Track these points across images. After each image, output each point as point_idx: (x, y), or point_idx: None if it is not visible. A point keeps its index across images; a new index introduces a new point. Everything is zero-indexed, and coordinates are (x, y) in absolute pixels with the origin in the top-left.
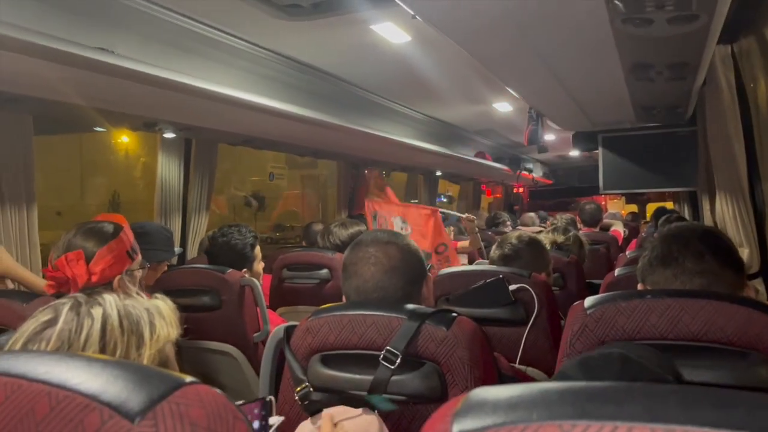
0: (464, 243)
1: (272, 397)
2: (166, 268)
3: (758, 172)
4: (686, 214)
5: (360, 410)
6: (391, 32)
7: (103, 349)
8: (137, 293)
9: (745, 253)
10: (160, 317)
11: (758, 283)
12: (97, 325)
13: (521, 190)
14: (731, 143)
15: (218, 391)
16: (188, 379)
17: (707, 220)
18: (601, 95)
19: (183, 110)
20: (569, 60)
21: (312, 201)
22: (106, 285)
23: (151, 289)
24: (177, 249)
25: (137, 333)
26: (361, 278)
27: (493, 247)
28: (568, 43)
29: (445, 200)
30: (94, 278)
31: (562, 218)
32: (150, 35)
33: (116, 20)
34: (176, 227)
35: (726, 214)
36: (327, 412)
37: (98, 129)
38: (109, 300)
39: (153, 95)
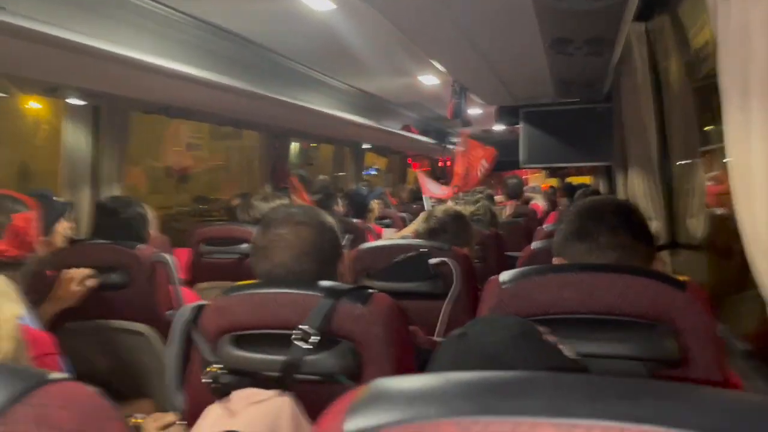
0: (392, 232)
1: None
2: (64, 228)
3: (668, 149)
4: (602, 188)
5: (272, 392)
6: None
7: None
8: None
9: (654, 225)
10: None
11: (665, 255)
12: None
13: (448, 163)
14: (643, 120)
15: (89, 388)
16: (52, 375)
17: (621, 195)
18: (522, 69)
19: (89, 75)
20: (491, 33)
21: (236, 172)
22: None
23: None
24: (58, 200)
25: None
26: (272, 262)
27: (419, 220)
28: (490, 16)
29: (374, 173)
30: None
31: (478, 192)
32: None
33: None
34: (86, 201)
35: (637, 189)
36: (237, 394)
37: None
38: None
39: (52, 57)
